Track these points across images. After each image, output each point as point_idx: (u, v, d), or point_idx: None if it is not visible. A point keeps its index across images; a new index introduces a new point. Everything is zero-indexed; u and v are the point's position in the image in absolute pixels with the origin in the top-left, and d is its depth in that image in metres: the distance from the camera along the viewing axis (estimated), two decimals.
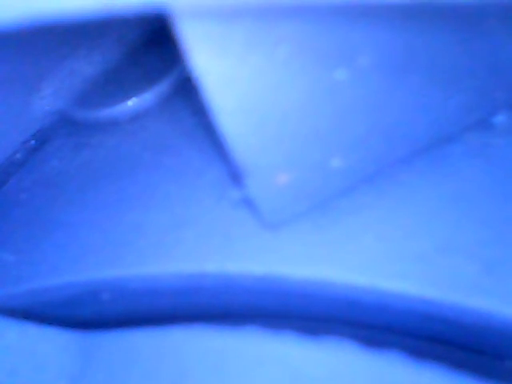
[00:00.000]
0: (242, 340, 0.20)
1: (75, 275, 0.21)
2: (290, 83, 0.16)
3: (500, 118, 0.21)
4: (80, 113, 0.27)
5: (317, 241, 0.19)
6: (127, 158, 0.25)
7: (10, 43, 0.22)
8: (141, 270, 0.21)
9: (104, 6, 0.11)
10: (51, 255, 0.22)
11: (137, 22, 0.28)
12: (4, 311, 0.22)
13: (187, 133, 0.25)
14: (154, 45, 0.29)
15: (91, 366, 0.22)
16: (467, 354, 0.19)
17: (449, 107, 0.19)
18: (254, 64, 0.15)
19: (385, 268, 0.18)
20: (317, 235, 0.19)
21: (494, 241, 0.18)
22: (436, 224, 0.19)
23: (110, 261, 0.21)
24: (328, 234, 0.19)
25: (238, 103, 0.16)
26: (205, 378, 0.20)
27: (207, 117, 0.20)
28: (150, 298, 0.22)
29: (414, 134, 0.19)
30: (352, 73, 0.16)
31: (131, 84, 0.27)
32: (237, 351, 0.20)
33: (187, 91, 0.27)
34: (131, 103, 0.27)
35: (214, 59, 0.14)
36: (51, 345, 0.22)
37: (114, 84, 0.28)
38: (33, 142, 0.27)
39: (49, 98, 0.27)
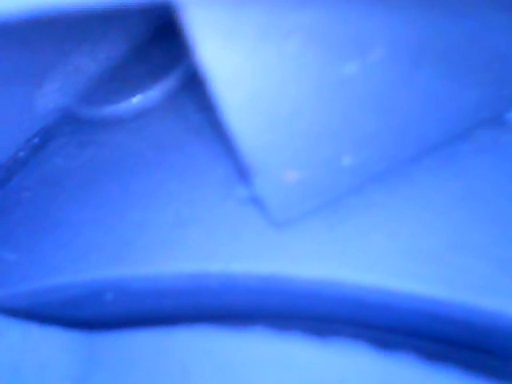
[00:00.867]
0: (248, 341, 0.20)
1: (78, 275, 0.21)
2: (300, 77, 0.15)
3: (511, 115, 0.21)
4: (84, 110, 0.27)
5: (325, 239, 0.19)
6: (131, 155, 0.25)
7: (13, 39, 0.21)
8: (144, 270, 0.21)
9: None
10: (54, 254, 0.22)
11: (141, 18, 0.28)
12: (6, 311, 0.22)
13: (192, 130, 0.25)
14: (158, 41, 0.29)
15: (94, 367, 0.22)
16: (478, 354, 0.18)
17: (461, 103, 0.18)
18: (264, 57, 0.14)
19: (394, 267, 0.18)
20: (325, 234, 0.19)
21: (506, 239, 0.18)
22: (446, 222, 0.18)
23: (113, 260, 0.21)
24: (336, 232, 0.19)
25: (247, 99, 0.15)
26: (209, 379, 0.20)
27: (213, 113, 0.20)
28: (153, 298, 0.22)
29: (426, 131, 0.19)
30: (363, 67, 0.16)
31: (136, 81, 0.27)
32: (242, 352, 0.20)
33: (192, 88, 0.27)
34: (136, 100, 0.27)
35: (221, 52, 0.14)
36: (54, 345, 0.22)
37: (118, 81, 0.28)
38: (36, 139, 0.27)
39: (52, 95, 0.27)
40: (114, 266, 0.21)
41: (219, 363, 0.20)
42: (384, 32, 0.15)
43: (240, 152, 0.17)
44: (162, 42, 0.28)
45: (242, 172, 0.21)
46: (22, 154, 0.27)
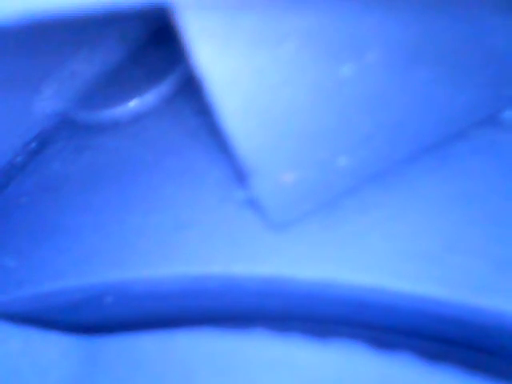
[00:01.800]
0: (249, 343, 0.20)
1: (78, 279, 0.21)
2: (296, 80, 0.15)
3: (508, 114, 0.21)
4: (81, 114, 0.27)
5: (323, 241, 0.19)
6: (129, 159, 0.25)
7: (10, 45, 0.21)
8: (144, 273, 0.21)
9: (105, 1, 0.11)
10: (53, 259, 0.22)
11: (138, 22, 0.28)
12: (6, 316, 0.22)
13: (190, 134, 0.25)
14: (155, 45, 0.29)
15: (95, 371, 0.22)
16: (478, 354, 0.18)
17: (457, 103, 0.18)
18: (260, 61, 0.14)
19: (393, 268, 0.18)
20: (323, 235, 0.19)
21: (505, 239, 0.18)
22: (445, 222, 0.19)
23: (113, 264, 0.21)
24: (335, 233, 0.19)
25: (243, 102, 0.15)
26: (210, 381, 0.20)
27: (210, 117, 0.20)
28: (154, 301, 0.22)
29: (422, 131, 0.19)
30: (359, 68, 0.16)
31: (133, 85, 0.27)
32: (243, 354, 0.20)
33: (190, 92, 0.27)
34: (133, 104, 0.27)
35: (217, 56, 0.14)
36: (55, 350, 0.22)
37: (115, 85, 0.28)
38: (34, 144, 0.27)
39: (49, 100, 0.26)
40: (114, 270, 0.21)
41: (220, 365, 0.20)
42: (379, 34, 0.15)
43: (237, 154, 0.17)
44: (159, 46, 0.28)
45: (239, 174, 0.21)
46: (19, 159, 0.27)
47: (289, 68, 0.15)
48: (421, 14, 0.15)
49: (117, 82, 0.28)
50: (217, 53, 0.14)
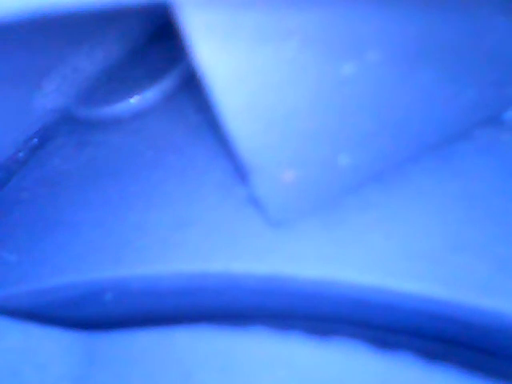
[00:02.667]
0: (248, 341, 0.20)
1: (78, 275, 0.21)
2: (298, 78, 0.15)
3: (510, 114, 0.21)
4: (82, 111, 0.27)
5: (324, 239, 0.19)
6: (130, 156, 0.25)
7: (11, 40, 0.21)
8: (144, 270, 0.21)
9: None
10: (53, 255, 0.22)
11: (139, 19, 0.28)
12: (6, 312, 0.22)
13: (191, 131, 0.25)
14: (156, 42, 0.29)
15: (94, 367, 0.22)
16: (479, 355, 0.18)
17: (459, 103, 0.18)
18: (262, 59, 0.14)
19: (394, 267, 0.18)
20: (324, 234, 0.19)
21: (506, 238, 0.18)
22: (446, 222, 0.18)
23: (112, 260, 0.21)
24: (335, 232, 0.19)
25: (244, 99, 0.15)
26: (210, 380, 0.20)
27: (211, 114, 0.20)
28: (153, 299, 0.22)
29: (424, 130, 0.19)
30: (361, 67, 0.15)
31: (134, 81, 0.27)
32: (243, 352, 0.20)
33: (191, 88, 0.27)
34: (134, 101, 0.27)
35: (219, 53, 0.14)
36: (54, 345, 0.22)
37: (116, 81, 0.28)
38: (35, 140, 0.27)
39: (51, 95, 0.26)
40: (114, 267, 0.21)
41: (219, 363, 0.20)
42: (381, 33, 0.15)
43: (238, 152, 0.17)
44: (161, 43, 0.28)
45: (240, 172, 0.21)
46: (20, 154, 0.27)
47: (291, 66, 0.15)
48: (423, 13, 0.15)
49: (118, 79, 0.28)
50: (218, 51, 0.14)
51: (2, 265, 0.22)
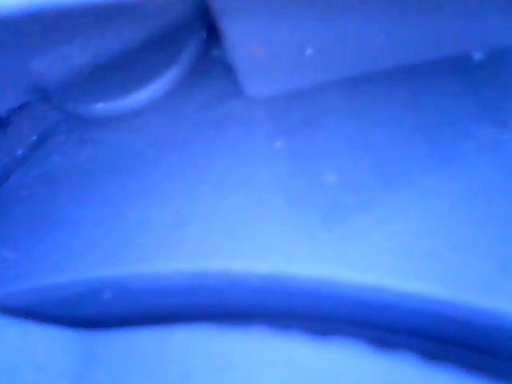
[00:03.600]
0: (248, 340, 0.20)
1: (77, 273, 0.21)
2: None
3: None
4: (82, 108, 0.27)
5: (324, 239, 0.19)
6: (130, 154, 0.25)
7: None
8: (143, 269, 0.21)
9: None
10: (52, 253, 0.22)
11: (140, 15, 0.28)
12: (5, 310, 0.22)
13: (191, 129, 0.25)
14: (157, 39, 0.29)
15: (93, 366, 0.22)
16: (479, 355, 0.18)
17: (423, 30, 0.20)
18: None
19: (395, 267, 0.18)
20: (324, 233, 0.19)
21: (507, 238, 0.18)
22: (448, 222, 0.18)
23: (111, 259, 0.21)
24: (336, 231, 0.19)
25: None
26: (209, 378, 0.20)
27: (211, 112, 0.20)
28: (152, 297, 0.22)
29: (389, 49, 0.21)
30: None
31: (134, 79, 0.27)
32: (242, 351, 0.20)
33: (191, 86, 0.27)
34: (134, 98, 0.26)
35: None
36: (53, 344, 0.22)
37: (116, 79, 0.28)
38: (34, 138, 0.27)
39: (38, 75, 0.27)
40: (113, 265, 0.21)
41: (218, 362, 0.20)
42: None
43: (222, 27, 0.19)
44: (161, 40, 0.28)
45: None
46: (20, 152, 0.27)
47: None
48: None
49: (118, 76, 0.28)
50: None
51: (1, 262, 0.22)
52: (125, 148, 0.25)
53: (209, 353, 0.20)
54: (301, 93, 0.22)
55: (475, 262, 0.17)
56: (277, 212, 0.20)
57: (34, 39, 0.25)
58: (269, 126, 0.22)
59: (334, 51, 0.20)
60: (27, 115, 0.27)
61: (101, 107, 0.27)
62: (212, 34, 0.24)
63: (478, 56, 0.21)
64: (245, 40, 0.20)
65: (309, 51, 0.20)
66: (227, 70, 0.24)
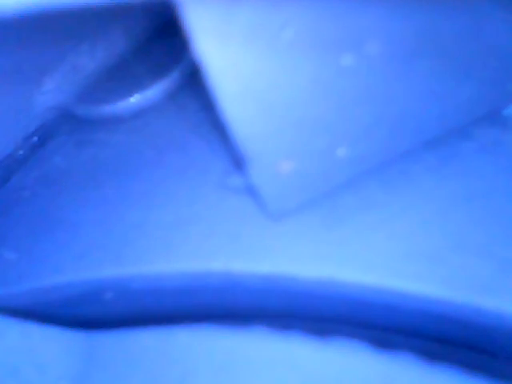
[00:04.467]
0: (249, 340, 0.20)
1: (78, 274, 0.21)
2: (295, 68, 0.15)
3: (511, 114, 0.21)
4: (83, 109, 0.27)
5: (325, 239, 0.19)
6: (131, 155, 0.25)
7: (11, 37, 0.21)
8: (144, 269, 0.21)
9: None
10: (53, 253, 0.22)
11: (141, 16, 0.28)
12: (5, 310, 0.22)
13: (192, 130, 0.25)
14: (158, 40, 0.29)
15: (94, 367, 0.22)
16: (480, 355, 0.18)
17: (459, 97, 0.18)
18: (259, 47, 0.14)
19: (395, 267, 0.18)
20: (325, 233, 0.19)
21: (507, 239, 0.18)
22: (448, 222, 0.18)
23: (113, 259, 0.21)
24: (337, 231, 0.19)
25: (242, 87, 0.15)
26: (210, 379, 0.20)
27: (212, 113, 0.20)
28: (153, 298, 0.22)
29: (421, 125, 0.19)
30: (359, 59, 0.15)
31: (135, 80, 0.27)
32: (243, 352, 0.20)
33: (192, 87, 0.27)
34: (135, 99, 0.26)
35: (217, 43, 0.14)
36: (53, 345, 0.22)
37: (117, 80, 0.28)
38: (35, 138, 0.27)
39: (50, 93, 0.26)
40: (114, 266, 0.21)
41: (219, 362, 0.20)
42: (380, 24, 0.15)
43: (236, 142, 0.17)
44: (162, 41, 0.28)
45: (238, 163, 0.21)
46: (20, 152, 0.27)
47: (287, 55, 0.15)
48: (423, 7, 0.15)
49: (119, 77, 0.28)
50: (216, 40, 0.14)
51: (1, 263, 0.22)
52: (126, 149, 0.25)
53: (210, 353, 0.20)
54: None
55: (475, 263, 0.17)
56: (281, 219, 0.20)
57: (44, 53, 0.25)
58: None
59: (369, 142, 0.18)
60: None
61: (102, 108, 0.27)
62: None
63: None
64: (270, 159, 0.18)
65: (340, 151, 0.18)
66: None
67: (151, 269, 0.20)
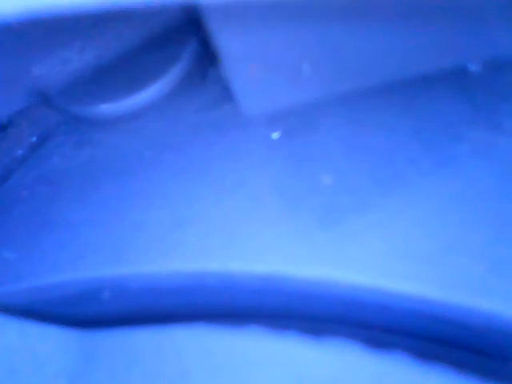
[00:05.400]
0: (244, 340, 0.20)
1: (76, 273, 0.21)
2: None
3: (507, 119, 0.21)
4: (82, 110, 0.27)
5: (321, 240, 0.19)
6: (129, 155, 0.25)
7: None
8: (142, 269, 0.21)
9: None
10: (52, 253, 0.22)
11: (140, 18, 0.28)
12: (4, 309, 0.22)
13: (190, 130, 0.25)
14: (156, 41, 0.29)
15: (92, 365, 0.22)
16: (472, 355, 0.18)
17: (424, 43, 0.20)
18: None
19: (389, 268, 0.18)
20: (321, 234, 0.19)
21: (500, 241, 0.18)
22: (442, 224, 0.19)
23: (111, 259, 0.21)
24: (332, 233, 0.19)
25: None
26: (206, 378, 0.20)
27: (211, 114, 0.21)
28: (151, 297, 0.22)
29: (385, 63, 0.21)
30: None
31: (134, 81, 0.27)
32: (239, 351, 0.20)
33: (190, 88, 0.27)
34: (133, 100, 0.26)
35: None
36: (51, 343, 0.22)
37: (116, 81, 0.28)
38: (34, 139, 0.27)
39: (38, 79, 0.27)
40: (112, 265, 0.21)
41: (215, 361, 0.20)
42: None
43: (217, 46, 0.19)
44: (160, 42, 0.28)
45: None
46: (20, 152, 0.27)
47: None
48: None
49: (118, 78, 0.28)
50: None
51: (0, 262, 0.22)
52: (124, 149, 0.25)
53: (206, 352, 0.21)
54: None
55: (469, 264, 0.17)
56: (274, 213, 0.20)
57: (33, 44, 0.25)
58: (266, 129, 0.22)
59: (331, 66, 0.20)
60: (27, 116, 0.27)
61: (100, 109, 0.27)
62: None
63: (473, 68, 0.21)
64: (241, 58, 0.20)
65: (306, 67, 0.20)
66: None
67: (149, 268, 0.21)
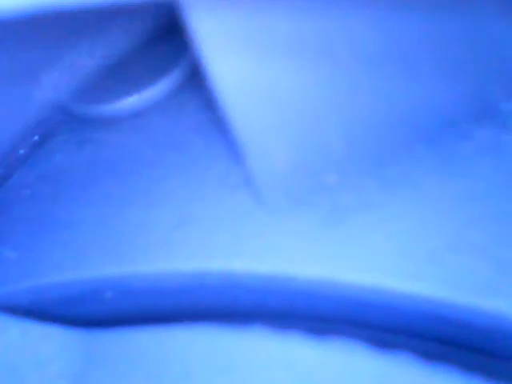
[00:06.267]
0: (248, 340, 0.20)
1: (78, 273, 0.21)
2: (294, 61, 0.16)
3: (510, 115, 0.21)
4: (84, 108, 0.27)
5: (324, 239, 0.19)
6: (131, 154, 0.25)
7: (9, 33, 0.21)
8: (144, 268, 0.21)
9: None
10: (54, 252, 0.22)
11: (141, 16, 0.28)
12: (5, 309, 0.22)
13: (192, 129, 0.25)
14: (158, 40, 0.29)
15: (93, 365, 0.22)
16: (478, 356, 0.18)
17: (456, 95, 0.18)
18: (258, 48, 0.15)
19: (394, 267, 0.18)
20: (324, 233, 0.19)
21: (507, 240, 0.18)
22: (447, 222, 0.18)
23: (113, 258, 0.21)
24: (336, 232, 0.19)
25: (242, 84, 0.16)
26: (209, 378, 0.20)
27: (213, 112, 0.20)
28: (153, 297, 0.22)
29: (420, 122, 0.19)
30: (358, 56, 0.16)
31: (136, 79, 0.27)
32: (242, 351, 0.20)
33: (193, 87, 0.27)
34: (136, 99, 0.26)
35: (218, 45, 0.14)
36: (53, 343, 0.22)
37: (118, 79, 0.28)
38: (36, 137, 0.27)
39: (48, 90, 0.26)
40: (114, 265, 0.21)
41: (218, 362, 0.20)
42: (380, 25, 0.15)
43: (234, 133, 0.17)
44: (162, 41, 0.28)
45: (238, 159, 0.21)
46: (21, 151, 0.27)
47: (285, 54, 0.15)
48: (425, 9, 0.15)
49: (120, 76, 0.28)
50: (217, 43, 0.14)
51: (1, 262, 0.22)
52: (126, 148, 0.25)
53: (209, 352, 0.21)
54: None
55: (474, 264, 0.17)
56: (277, 212, 0.20)
57: (41, 49, 0.25)
58: None
59: (365, 137, 0.19)
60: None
61: (102, 107, 0.27)
62: None
63: None
64: (270, 152, 0.18)
65: (337, 145, 0.18)
66: None
67: (151, 268, 0.21)
